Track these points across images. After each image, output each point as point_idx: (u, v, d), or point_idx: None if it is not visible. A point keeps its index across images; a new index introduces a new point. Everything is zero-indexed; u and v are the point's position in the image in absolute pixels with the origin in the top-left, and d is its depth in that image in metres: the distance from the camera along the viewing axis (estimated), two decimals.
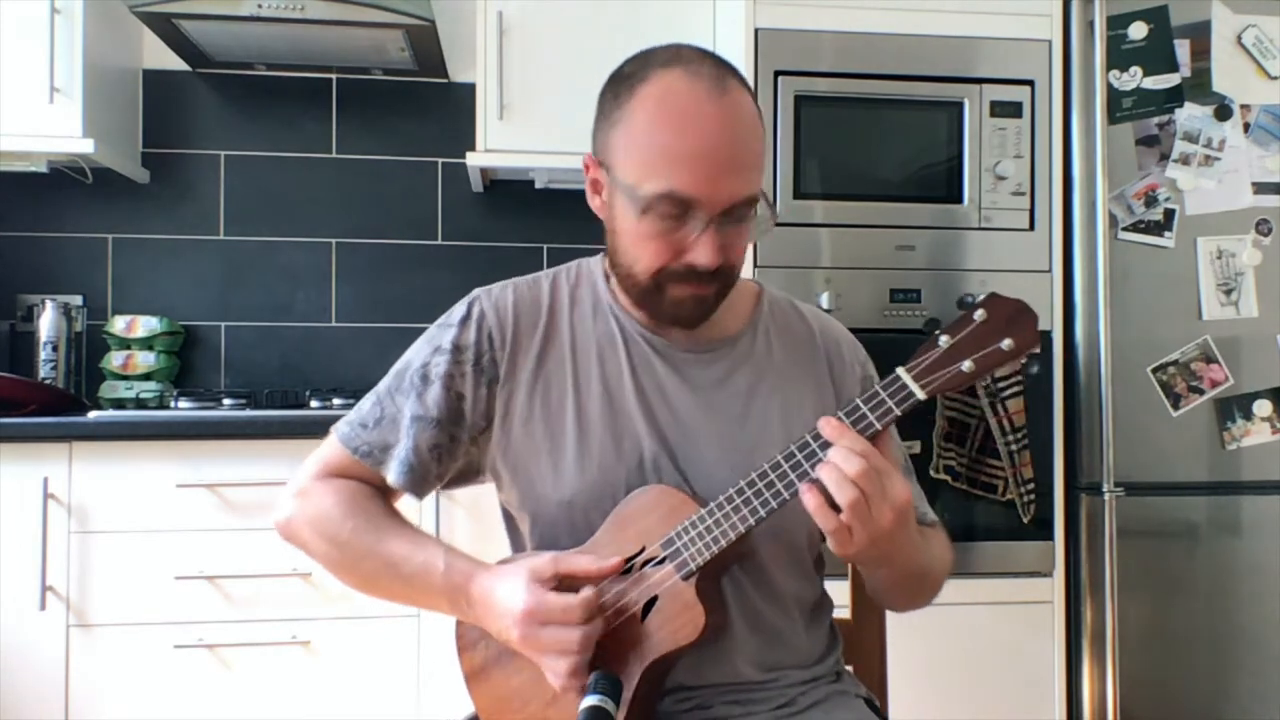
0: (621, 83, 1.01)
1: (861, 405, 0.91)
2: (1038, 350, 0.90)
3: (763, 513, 0.92)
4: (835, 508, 0.88)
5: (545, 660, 0.93)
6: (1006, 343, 0.88)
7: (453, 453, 1.07)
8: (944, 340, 0.90)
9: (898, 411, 0.90)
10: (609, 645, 0.95)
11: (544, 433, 1.04)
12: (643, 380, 1.06)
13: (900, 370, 0.91)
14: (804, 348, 1.13)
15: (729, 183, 0.95)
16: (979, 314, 0.89)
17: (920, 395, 0.89)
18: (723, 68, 0.99)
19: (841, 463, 0.87)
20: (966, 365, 0.89)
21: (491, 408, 1.06)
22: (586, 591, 0.93)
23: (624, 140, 0.99)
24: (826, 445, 0.90)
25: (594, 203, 1.07)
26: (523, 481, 1.05)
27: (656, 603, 0.95)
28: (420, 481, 1.07)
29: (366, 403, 1.11)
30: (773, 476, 0.92)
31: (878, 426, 0.90)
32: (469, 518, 1.99)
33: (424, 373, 1.07)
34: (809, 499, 0.88)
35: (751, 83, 2.03)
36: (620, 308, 1.10)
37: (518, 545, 1.12)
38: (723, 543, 0.93)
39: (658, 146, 0.96)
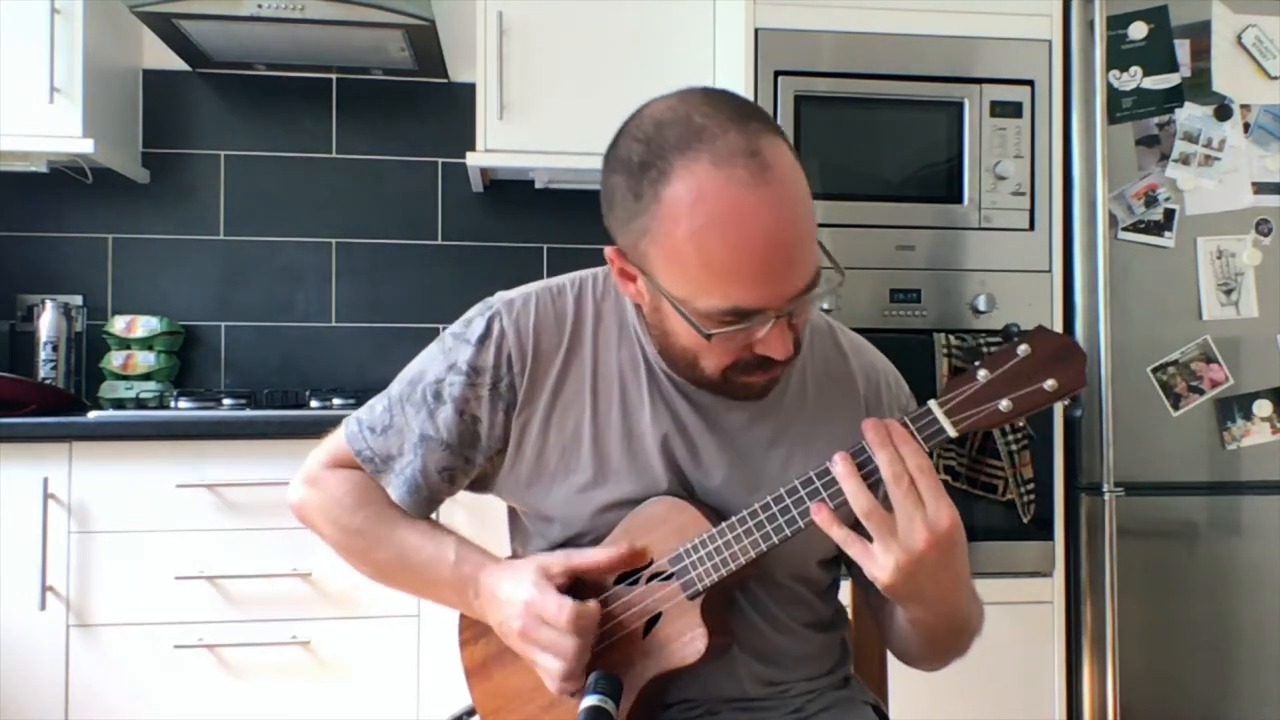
0: (641, 178, 0.85)
1: None
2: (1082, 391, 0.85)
3: (775, 539, 0.89)
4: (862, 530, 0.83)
5: (539, 658, 0.93)
6: (1050, 383, 0.82)
7: (466, 472, 1.04)
8: (982, 374, 0.83)
9: (926, 449, 0.84)
10: (609, 656, 0.94)
11: (558, 460, 1.00)
12: (663, 417, 1.00)
13: (932, 404, 0.85)
14: (842, 393, 1.06)
15: (795, 278, 0.85)
16: (1022, 348, 0.83)
17: (952, 433, 0.84)
18: (750, 125, 0.85)
19: (880, 460, 0.82)
20: (1004, 404, 0.82)
21: (507, 432, 1.01)
22: (591, 603, 0.91)
23: (664, 254, 0.85)
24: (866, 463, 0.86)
25: (628, 290, 0.96)
26: (533, 505, 1.03)
27: (660, 619, 0.94)
28: (427, 502, 1.05)
29: (379, 405, 1.07)
30: (789, 502, 0.89)
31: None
32: (469, 517, 1.99)
33: (437, 390, 1.01)
34: (820, 515, 0.85)
35: (751, 83, 2.03)
36: (646, 334, 1.01)
37: (520, 542, 1.11)
38: (732, 566, 0.90)
39: (710, 264, 0.83)
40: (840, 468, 0.85)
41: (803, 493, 0.88)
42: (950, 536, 0.82)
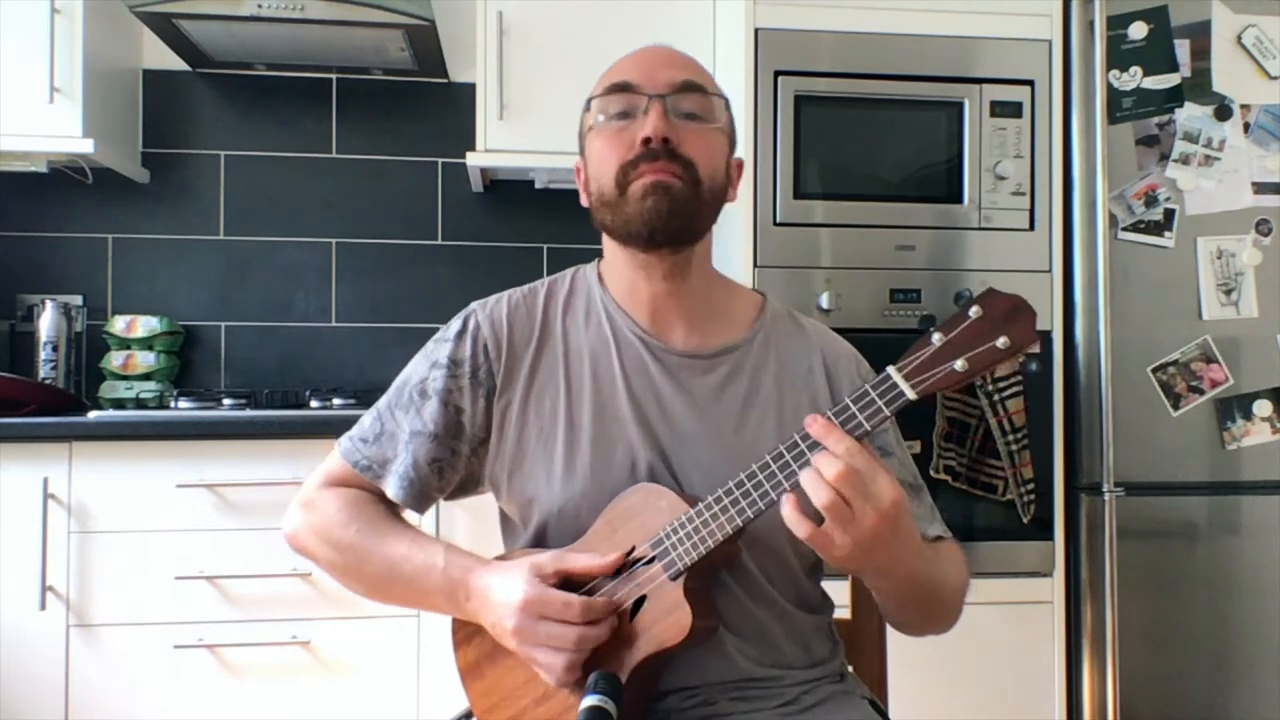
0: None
1: (851, 405, 0.88)
2: (1036, 348, 0.86)
3: (750, 513, 0.91)
4: (816, 515, 0.86)
5: (538, 655, 0.93)
6: (1002, 340, 0.84)
7: (454, 465, 1.09)
8: (937, 338, 0.86)
9: (887, 412, 0.87)
10: (598, 645, 0.94)
11: (537, 441, 1.05)
12: (636, 385, 1.06)
13: (891, 369, 0.87)
14: (803, 360, 1.12)
15: (664, 70, 1.04)
16: (973, 310, 0.86)
17: (911, 395, 0.86)
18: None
19: (821, 465, 0.85)
20: (959, 364, 0.85)
21: (489, 419, 1.07)
22: (599, 598, 0.93)
23: (587, 111, 1.09)
24: (816, 445, 0.87)
25: (584, 200, 1.10)
26: (517, 490, 1.06)
27: (645, 603, 0.95)
28: (420, 496, 1.08)
29: (368, 418, 1.12)
30: (761, 477, 0.91)
31: (867, 427, 0.87)
32: (469, 518, 1.99)
33: (422, 388, 1.08)
34: (785, 509, 0.86)
35: (751, 83, 2.04)
36: (616, 308, 1.10)
37: (510, 542, 1.13)
38: (710, 543, 0.92)
39: (607, 74, 1.08)
40: (788, 510, 0.87)
41: (774, 466, 0.90)
42: (898, 507, 0.86)
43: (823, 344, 1.15)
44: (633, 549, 0.96)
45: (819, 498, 0.85)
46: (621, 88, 1.04)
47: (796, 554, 1.06)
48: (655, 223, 1.02)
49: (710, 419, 1.05)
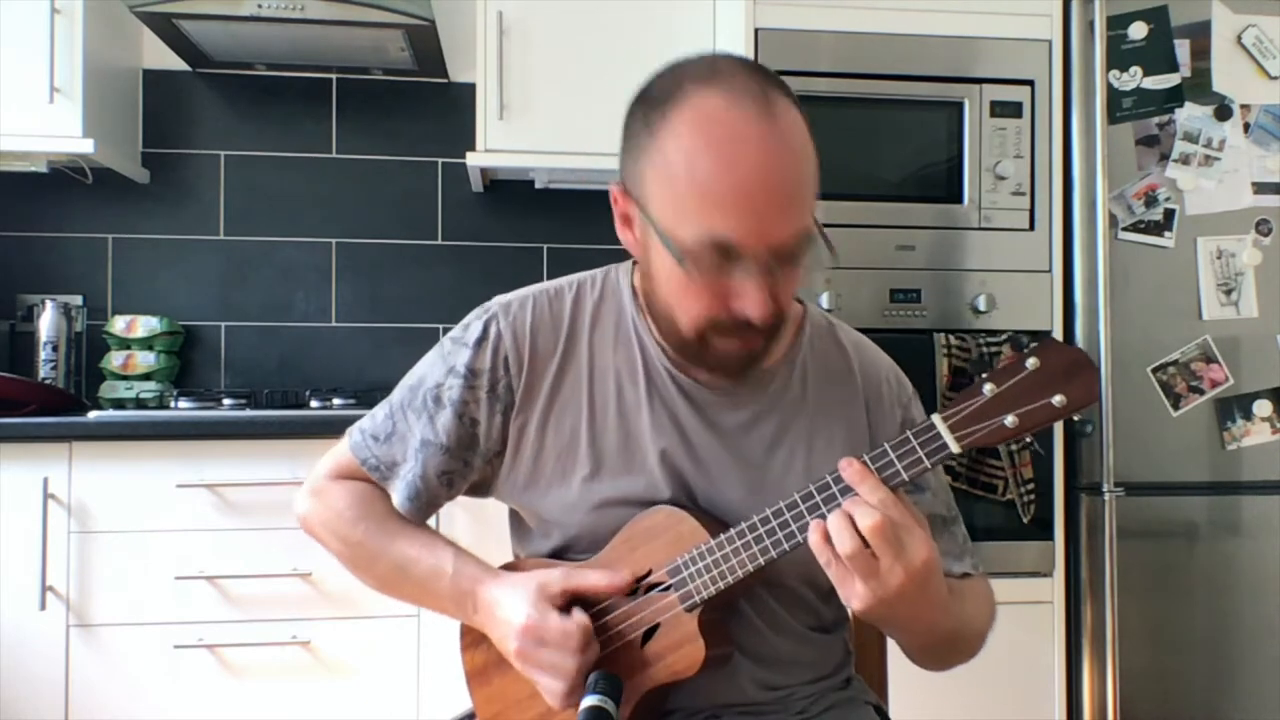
0: (651, 105, 0.89)
1: (890, 452, 0.84)
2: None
3: (774, 553, 0.88)
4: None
5: (537, 678, 0.92)
6: (1058, 399, 0.79)
7: (465, 475, 1.05)
8: (988, 388, 0.81)
9: (928, 464, 0.82)
10: (607, 667, 0.93)
11: (555, 464, 1.00)
12: (662, 417, 0.99)
13: (936, 418, 0.83)
14: (841, 388, 1.05)
15: (779, 223, 0.85)
16: (1031, 362, 0.80)
17: (955, 449, 0.82)
18: (767, 81, 0.89)
19: (854, 513, 0.81)
20: (1010, 420, 0.80)
21: (505, 434, 1.02)
22: (586, 620, 0.91)
23: (657, 174, 0.87)
24: (849, 489, 0.84)
25: (625, 238, 0.96)
26: (529, 509, 1.03)
27: (658, 630, 0.93)
28: (426, 507, 1.05)
29: (380, 412, 1.08)
30: (788, 516, 0.87)
31: (905, 478, 0.83)
32: (469, 518, 1.99)
33: (437, 394, 1.02)
34: (813, 536, 0.83)
35: None
36: (647, 331, 1.02)
37: (522, 544, 1.10)
38: (730, 579, 0.90)
39: (696, 183, 0.84)
40: (815, 539, 0.83)
41: (802, 507, 0.87)
42: (929, 567, 0.82)
43: (862, 364, 1.08)
44: (649, 572, 0.93)
45: (844, 546, 0.80)
46: (722, 249, 0.85)
47: (820, 582, 1.00)
48: (725, 375, 0.97)
49: (737, 457, 0.99)
